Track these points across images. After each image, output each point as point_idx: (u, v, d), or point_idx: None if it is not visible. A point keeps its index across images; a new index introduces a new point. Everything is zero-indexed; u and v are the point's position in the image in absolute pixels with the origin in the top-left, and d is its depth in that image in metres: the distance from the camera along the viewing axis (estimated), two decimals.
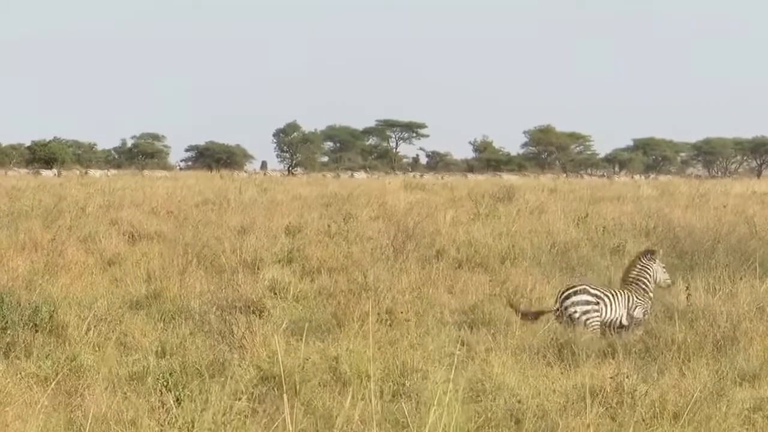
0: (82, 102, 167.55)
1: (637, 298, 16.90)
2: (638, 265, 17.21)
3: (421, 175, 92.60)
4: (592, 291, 16.72)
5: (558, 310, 16.65)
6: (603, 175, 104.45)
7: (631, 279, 17.11)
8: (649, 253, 17.47)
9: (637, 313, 16.83)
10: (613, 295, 16.79)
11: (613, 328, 16.56)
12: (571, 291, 16.71)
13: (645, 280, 17.11)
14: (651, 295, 17.09)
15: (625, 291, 16.90)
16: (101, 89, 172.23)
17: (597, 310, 16.58)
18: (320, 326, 16.22)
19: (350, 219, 30.74)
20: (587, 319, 16.52)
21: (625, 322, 16.74)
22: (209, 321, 16.50)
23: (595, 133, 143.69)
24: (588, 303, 16.58)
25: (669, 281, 17.50)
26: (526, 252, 24.11)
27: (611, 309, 16.70)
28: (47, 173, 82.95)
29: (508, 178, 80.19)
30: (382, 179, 73.74)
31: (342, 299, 17.64)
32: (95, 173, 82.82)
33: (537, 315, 16.91)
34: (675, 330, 15.59)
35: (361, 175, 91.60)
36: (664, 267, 17.49)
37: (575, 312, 16.51)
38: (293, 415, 10.82)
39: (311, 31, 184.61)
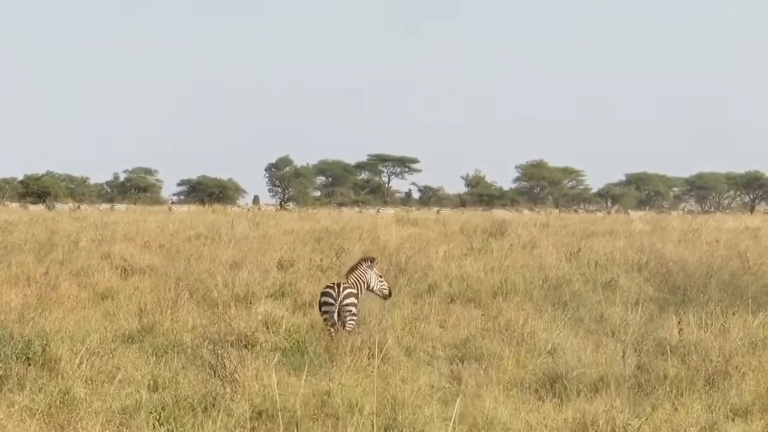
0: (75, 136, 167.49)
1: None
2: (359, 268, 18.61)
3: (417, 209, 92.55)
4: (354, 291, 18.03)
5: (334, 305, 17.77)
6: (594, 210, 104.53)
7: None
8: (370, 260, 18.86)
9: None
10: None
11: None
12: (349, 290, 17.87)
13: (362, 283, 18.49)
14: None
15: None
16: (94, 123, 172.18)
17: (356, 314, 17.89)
18: (312, 360, 16.22)
19: (342, 253, 30.74)
20: (353, 320, 17.76)
21: None
22: (201, 355, 16.52)
23: (587, 168, 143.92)
24: (356, 306, 17.88)
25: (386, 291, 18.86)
26: (518, 287, 24.13)
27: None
28: (34, 207, 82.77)
29: (502, 213, 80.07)
30: (371, 214, 73.60)
31: (334, 334, 17.66)
32: (88, 208, 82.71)
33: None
34: (667, 365, 15.61)
35: (349, 210, 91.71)
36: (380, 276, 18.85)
37: (350, 311, 17.74)
38: None
39: (305, 66, 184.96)
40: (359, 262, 18.90)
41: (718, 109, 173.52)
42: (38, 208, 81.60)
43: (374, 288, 18.66)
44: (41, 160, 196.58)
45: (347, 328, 17.65)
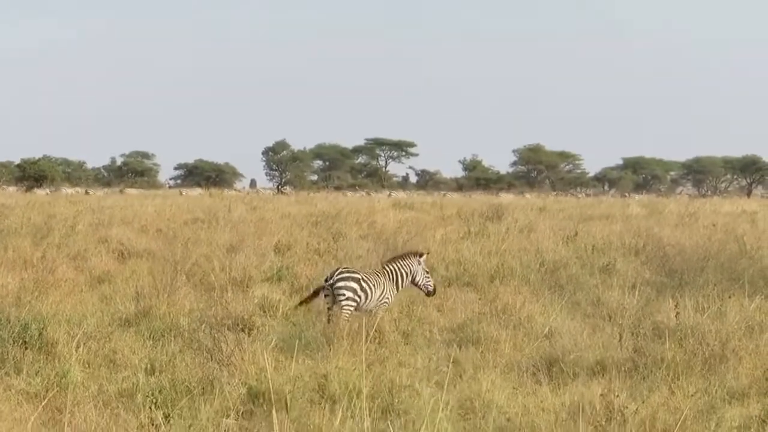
0: (72, 120, 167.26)
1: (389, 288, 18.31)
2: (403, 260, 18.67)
3: (427, 193, 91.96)
4: (362, 283, 17.90)
5: (326, 287, 17.89)
6: (595, 194, 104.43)
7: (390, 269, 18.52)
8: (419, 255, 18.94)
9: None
10: (375, 284, 18.08)
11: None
12: (345, 273, 17.91)
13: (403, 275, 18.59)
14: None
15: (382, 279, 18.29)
16: (91, 107, 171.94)
17: (356, 300, 17.83)
18: (309, 344, 16.22)
19: (339, 237, 30.72)
20: (348, 305, 17.74)
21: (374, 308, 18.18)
22: (198, 338, 16.51)
23: (584, 152, 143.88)
24: (355, 291, 17.79)
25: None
26: (515, 270, 24.13)
27: (372, 295, 18.07)
28: (40, 191, 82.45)
29: (505, 196, 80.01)
30: (381, 198, 73.25)
31: (331, 317, 17.67)
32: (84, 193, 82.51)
33: (314, 294, 18.17)
34: (664, 348, 15.60)
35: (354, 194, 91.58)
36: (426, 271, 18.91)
37: (343, 294, 17.80)
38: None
39: (303, 48, 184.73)
40: (407, 254, 19.00)
41: (714, 92, 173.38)
42: (42, 193, 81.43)
43: (419, 283, 18.76)
44: (38, 144, 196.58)
45: (343, 314, 17.65)
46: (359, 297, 17.96)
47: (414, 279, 18.71)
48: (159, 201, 55.26)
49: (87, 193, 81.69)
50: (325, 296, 18.01)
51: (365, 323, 16.64)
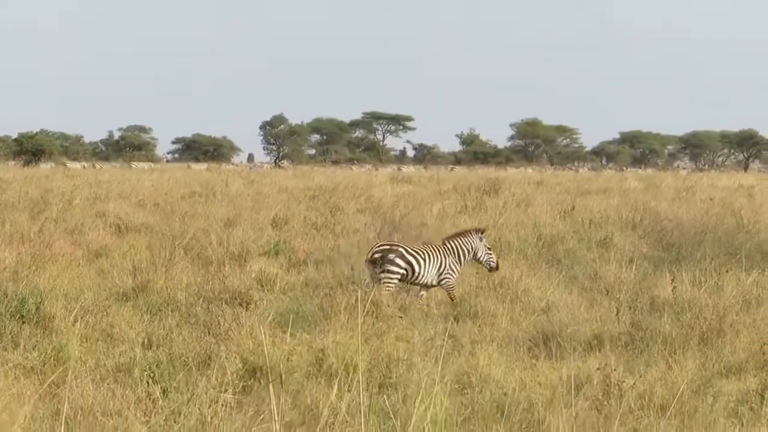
0: (70, 94, 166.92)
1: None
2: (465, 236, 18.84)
3: (436, 168, 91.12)
4: (408, 257, 18.13)
5: (367, 261, 18.27)
6: (597, 168, 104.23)
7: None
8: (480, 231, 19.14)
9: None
10: (427, 258, 18.31)
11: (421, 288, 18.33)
12: (386, 247, 18.18)
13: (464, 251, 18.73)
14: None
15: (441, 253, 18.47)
16: (89, 81, 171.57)
17: (398, 275, 18.06)
18: (307, 318, 16.20)
19: (337, 211, 30.70)
20: (388, 279, 17.99)
21: (435, 283, 18.38)
22: (196, 313, 16.49)
23: (582, 127, 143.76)
24: (396, 265, 18.04)
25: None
26: (512, 244, 24.11)
27: (422, 270, 18.30)
28: (45, 166, 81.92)
29: (513, 172, 79.63)
30: (389, 171, 72.84)
31: (328, 291, 17.63)
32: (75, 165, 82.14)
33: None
34: (661, 322, 15.59)
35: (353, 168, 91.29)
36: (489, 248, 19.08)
37: (386, 269, 18.04)
38: (280, 406, 10.78)
39: (300, 22, 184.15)
40: (468, 231, 19.27)
41: (713, 67, 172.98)
42: (46, 167, 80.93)
43: (482, 259, 19.02)
44: (35, 118, 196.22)
45: (384, 287, 17.73)
46: (404, 270, 18.06)
47: (476, 255, 18.90)
48: (156, 175, 55.16)
49: (94, 167, 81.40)
50: (368, 270, 18.14)
51: (359, 297, 16.63)
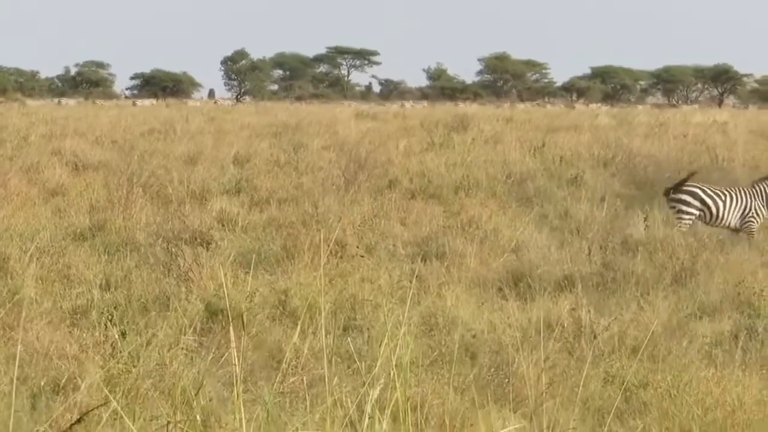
0: (24, 29, 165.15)
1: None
2: None
3: (412, 105, 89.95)
4: (706, 198, 18.11)
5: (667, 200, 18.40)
6: (569, 104, 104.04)
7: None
8: None
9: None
10: (729, 200, 18.17)
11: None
12: (684, 186, 18.22)
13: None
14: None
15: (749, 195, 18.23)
16: (43, 15, 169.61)
17: (691, 215, 18.02)
18: (269, 258, 15.91)
19: (300, 149, 30.33)
20: (680, 219, 18.01)
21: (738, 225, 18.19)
22: (155, 253, 16.32)
23: (551, 61, 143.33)
24: (690, 205, 18.08)
25: None
26: (481, 182, 23.87)
27: (723, 211, 18.12)
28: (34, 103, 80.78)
29: (490, 108, 79.08)
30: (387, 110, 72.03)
31: (292, 231, 17.27)
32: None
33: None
34: (634, 262, 15.43)
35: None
36: None
37: (675, 207, 18.17)
38: (241, 349, 10.48)
39: None
40: None
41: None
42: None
43: None
44: None
45: (678, 226, 17.83)
46: (700, 211, 17.81)
47: None
48: (114, 112, 54.58)
49: (59, 103, 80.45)
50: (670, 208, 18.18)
51: (323, 237, 16.25)
